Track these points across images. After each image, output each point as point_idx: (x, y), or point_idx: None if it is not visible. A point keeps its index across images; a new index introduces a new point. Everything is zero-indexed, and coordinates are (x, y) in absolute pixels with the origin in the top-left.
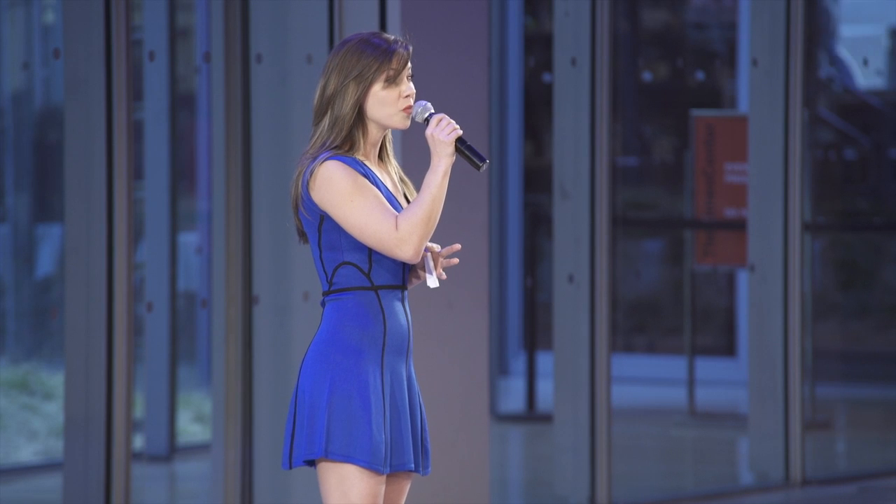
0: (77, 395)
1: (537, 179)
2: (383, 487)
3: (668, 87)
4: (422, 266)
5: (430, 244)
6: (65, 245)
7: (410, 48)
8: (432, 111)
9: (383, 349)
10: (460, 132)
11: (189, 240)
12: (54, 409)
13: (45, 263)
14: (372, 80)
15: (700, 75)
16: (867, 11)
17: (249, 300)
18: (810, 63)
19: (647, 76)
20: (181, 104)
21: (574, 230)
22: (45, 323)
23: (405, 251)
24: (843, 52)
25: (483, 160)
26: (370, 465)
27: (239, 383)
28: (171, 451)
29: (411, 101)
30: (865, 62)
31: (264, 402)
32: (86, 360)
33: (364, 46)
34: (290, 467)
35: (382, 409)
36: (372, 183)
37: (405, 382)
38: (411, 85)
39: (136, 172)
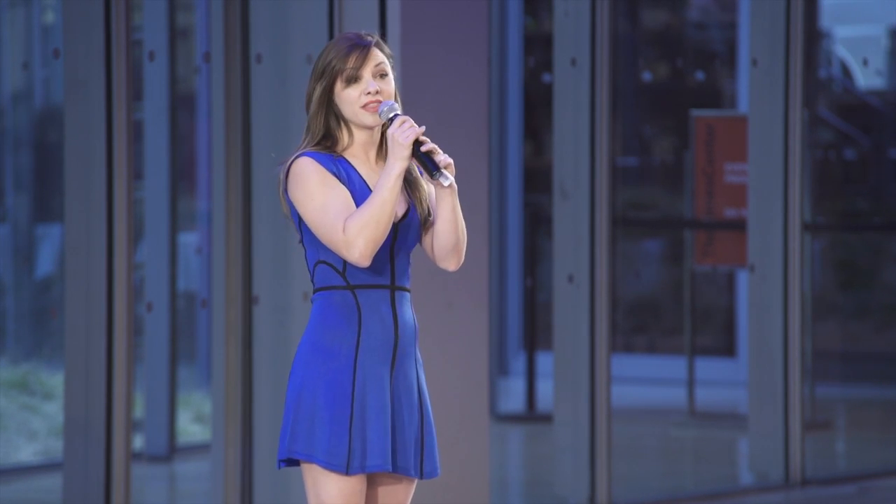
0: (77, 395)
1: (537, 179)
2: (362, 488)
3: (668, 87)
4: (428, 170)
5: (423, 138)
6: (65, 245)
7: (370, 46)
8: (398, 112)
9: (357, 349)
10: (420, 135)
11: (189, 240)
12: (54, 409)
13: (45, 263)
14: (332, 79)
15: (700, 75)
16: (867, 11)
17: (249, 300)
18: (810, 63)
19: (647, 76)
20: (181, 104)
21: (574, 230)
22: (45, 323)
23: (352, 253)
24: (843, 51)
25: (436, 169)
26: (328, 465)
27: (239, 383)
28: (171, 451)
29: (374, 98)
30: (865, 62)
31: (264, 402)
32: (86, 360)
33: (332, 44)
34: (278, 467)
35: (349, 409)
36: (346, 180)
37: (388, 384)
38: (374, 83)
39: (136, 172)
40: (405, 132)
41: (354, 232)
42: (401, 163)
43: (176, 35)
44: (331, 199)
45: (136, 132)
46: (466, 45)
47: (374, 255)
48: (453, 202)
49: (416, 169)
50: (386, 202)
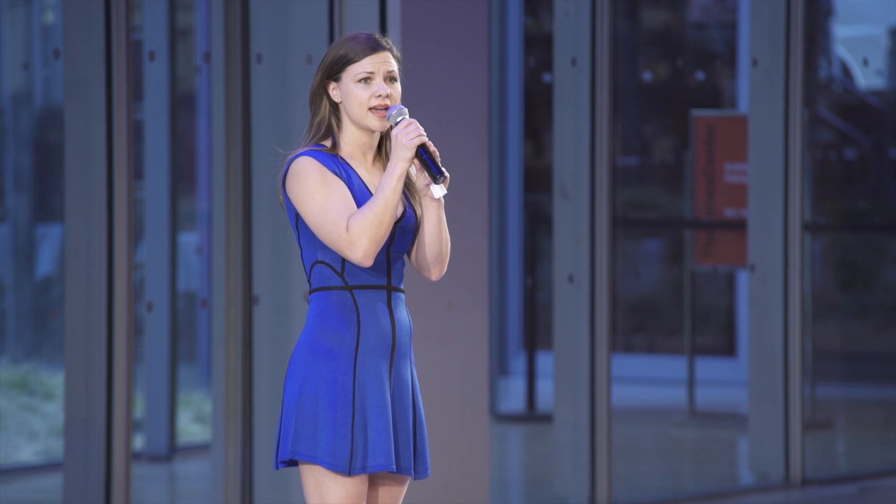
0: (77, 395)
1: (537, 179)
2: (364, 488)
3: (668, 87)
4: (425, 180)
5: (429, 142)
6: (65, 245)
7: (386, 50)
8: (406, 116)
9: (356, 350)
10: (424, 140)
11: (189, 240)
12: (54, 409)
13: (45, 263)
14: (340, 73)
15: (700, 75)
16: (867, 11)
17: (249, 300)
18: (810, 63)
19: (647, 76)
20: (181, 104)
21: (574, 230)
22: (45, 323)
23: (355, 253)
24: (843, 51)
25: (440, 174)
26: (332, 466)
27: (239, 383)
28: (171, 451)
29: (383, 102)
30: (865, 62)
31: (264, 402)
32: (86, 360)
33: (345, 41)
34: (277, 468)
35: (351, 410)
36: (346, 181)
37: (387, 384)
38: (385, 86)
39: (136, 172)
40: (409, 134)
41: (358, 231)
42: (403, 164)
43: (176, 35)
44: (332, 198)
45: (136, 132)
46: (466, 45)
47: (375, 255)
48: (439, 214)
49: (413, 174)
50: (389, 202)
